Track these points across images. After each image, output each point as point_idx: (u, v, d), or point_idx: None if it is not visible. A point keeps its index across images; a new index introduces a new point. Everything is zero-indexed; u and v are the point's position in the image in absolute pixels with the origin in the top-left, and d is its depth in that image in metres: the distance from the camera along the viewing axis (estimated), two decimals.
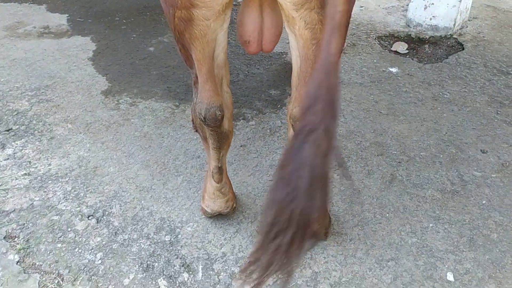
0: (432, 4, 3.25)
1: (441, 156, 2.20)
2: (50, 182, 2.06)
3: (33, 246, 1.75)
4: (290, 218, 0.76)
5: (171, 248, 1.74)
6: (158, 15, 3.76)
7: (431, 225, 1.84)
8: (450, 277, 1.63)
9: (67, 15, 3.79)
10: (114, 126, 2.44)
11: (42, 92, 2.70)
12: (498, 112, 2.51)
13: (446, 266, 1.67)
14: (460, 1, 3.17)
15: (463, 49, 3.17)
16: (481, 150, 2.23)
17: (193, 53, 1.35)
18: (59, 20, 3.69)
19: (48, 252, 1.72)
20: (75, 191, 2.01)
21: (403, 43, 3.25)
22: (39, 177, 2.09)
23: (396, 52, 3.15)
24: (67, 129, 2.41)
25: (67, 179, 2.08)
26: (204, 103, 1.39)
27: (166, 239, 1.78)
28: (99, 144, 2.30)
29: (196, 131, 1.58)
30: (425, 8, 3.30)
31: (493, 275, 1.63)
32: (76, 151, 2.25)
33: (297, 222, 0.76)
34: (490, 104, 2.58)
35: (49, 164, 2.17)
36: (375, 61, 3.03)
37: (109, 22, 3.66)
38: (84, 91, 2.74)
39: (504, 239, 1.77)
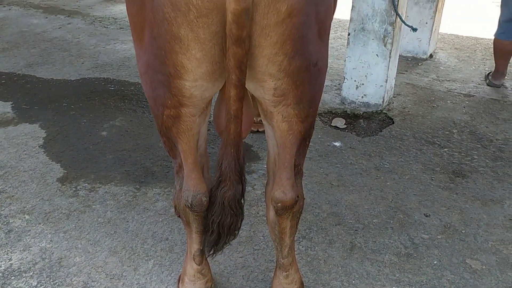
0: (363, 84, 3.65)
1: (391, 222, 2.41)
2: (13, 278, 1.99)
3: None
4: (218, 225, 1.52)
5: None
6: (106, 99, 3.84)
7: None
8: None
9: (11, 102, 3.75)
10: (75, 213, 2.42)
11: None
12: (432, 178, 2.82)
13: None
14: (386, 81, 3.60)
15: (393, 122, 3.55)
16: (424, 214, 2.48)
17: (179, 146, 1.46)
18: (3, 108, 3.64)
19: None
20: (41, 285, 1.95)
21: (341, 118, 3.57)
22: (0, 274, 2.00)
23: (336, 127, 3.46)
24: (25, 220, 2.35)
25: (31, 273, 2.02)
26: (190, 190, 1.49)
27: None
28: (61, 234, 2.27)
29: (179, 216, 1.65)
30: (356, 88, 3.69)
31: None
32: (37, 243, 2.20)
33: (223, 227, 1.53)
34: (424, 171, 2.89)
35: (10, 259, 2.09)
36: (319, 136, 3.30)
37: (56, 108, 3.67)
38: (38, 179, 2.71)
39: None
